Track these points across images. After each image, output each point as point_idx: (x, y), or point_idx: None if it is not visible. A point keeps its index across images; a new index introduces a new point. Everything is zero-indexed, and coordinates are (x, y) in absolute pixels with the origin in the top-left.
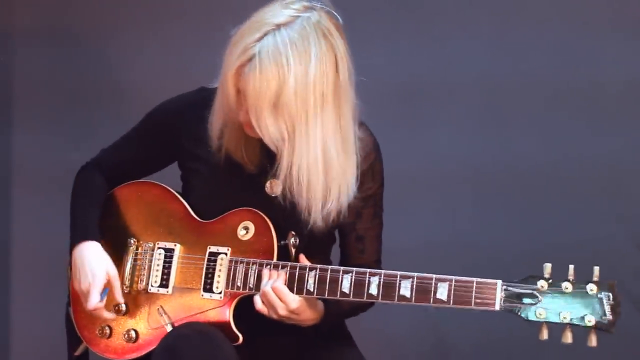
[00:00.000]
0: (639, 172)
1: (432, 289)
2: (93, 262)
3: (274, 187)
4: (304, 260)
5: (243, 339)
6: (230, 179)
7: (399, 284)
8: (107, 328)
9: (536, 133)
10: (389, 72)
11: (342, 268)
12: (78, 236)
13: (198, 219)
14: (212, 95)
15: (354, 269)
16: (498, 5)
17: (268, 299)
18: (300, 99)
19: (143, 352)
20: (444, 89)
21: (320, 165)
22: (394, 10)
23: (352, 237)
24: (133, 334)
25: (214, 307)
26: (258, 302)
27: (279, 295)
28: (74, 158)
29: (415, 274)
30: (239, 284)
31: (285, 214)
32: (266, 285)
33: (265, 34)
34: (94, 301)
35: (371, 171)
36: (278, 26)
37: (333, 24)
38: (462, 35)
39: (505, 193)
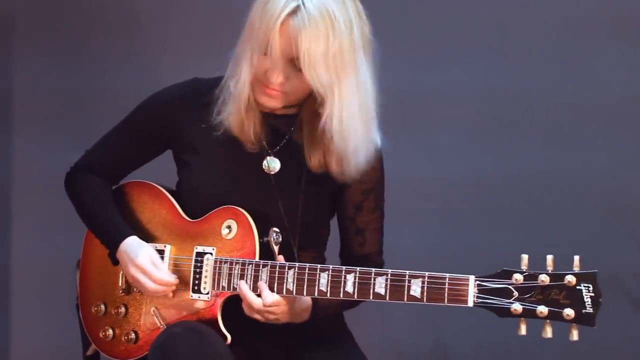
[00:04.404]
0: (638, 174)
1: (406, 285)
2: (141, 255)
3: (270, 165)
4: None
5: (239, 338)
6: (227, 161)
7: (374, 281)
8: (109, 330)
9: (536, 137)
10: (391, 78)
11: (319, 266)
12: (114, 240)
13: (187, 218)
14: (205, 86)
15: (330, 266)
16: (500, 13)
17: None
18: (348, 44)
19: (145, 353)
20: (445, 96)
21: (363, 110)
22: (395, 17)
23: (352, 230)
24: (133, 335)
25: (203, 308)
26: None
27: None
28: (74, 160)
29: (390, 270)
30: (224, 284)
31: (282, 193)
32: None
33: None
34: (171, 279)
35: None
36: None
37: None
38: (464, 44)
39: (506, 196)
